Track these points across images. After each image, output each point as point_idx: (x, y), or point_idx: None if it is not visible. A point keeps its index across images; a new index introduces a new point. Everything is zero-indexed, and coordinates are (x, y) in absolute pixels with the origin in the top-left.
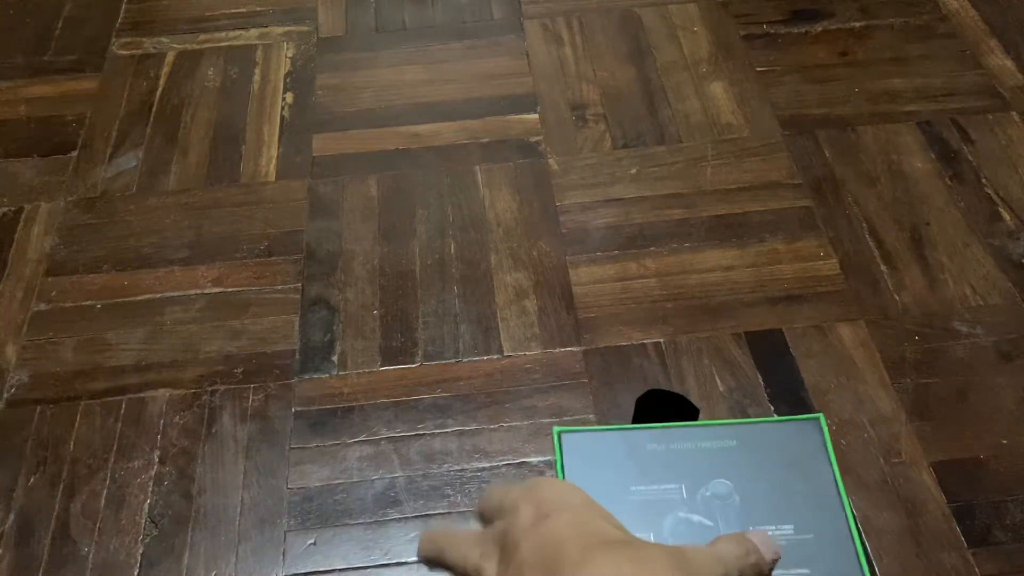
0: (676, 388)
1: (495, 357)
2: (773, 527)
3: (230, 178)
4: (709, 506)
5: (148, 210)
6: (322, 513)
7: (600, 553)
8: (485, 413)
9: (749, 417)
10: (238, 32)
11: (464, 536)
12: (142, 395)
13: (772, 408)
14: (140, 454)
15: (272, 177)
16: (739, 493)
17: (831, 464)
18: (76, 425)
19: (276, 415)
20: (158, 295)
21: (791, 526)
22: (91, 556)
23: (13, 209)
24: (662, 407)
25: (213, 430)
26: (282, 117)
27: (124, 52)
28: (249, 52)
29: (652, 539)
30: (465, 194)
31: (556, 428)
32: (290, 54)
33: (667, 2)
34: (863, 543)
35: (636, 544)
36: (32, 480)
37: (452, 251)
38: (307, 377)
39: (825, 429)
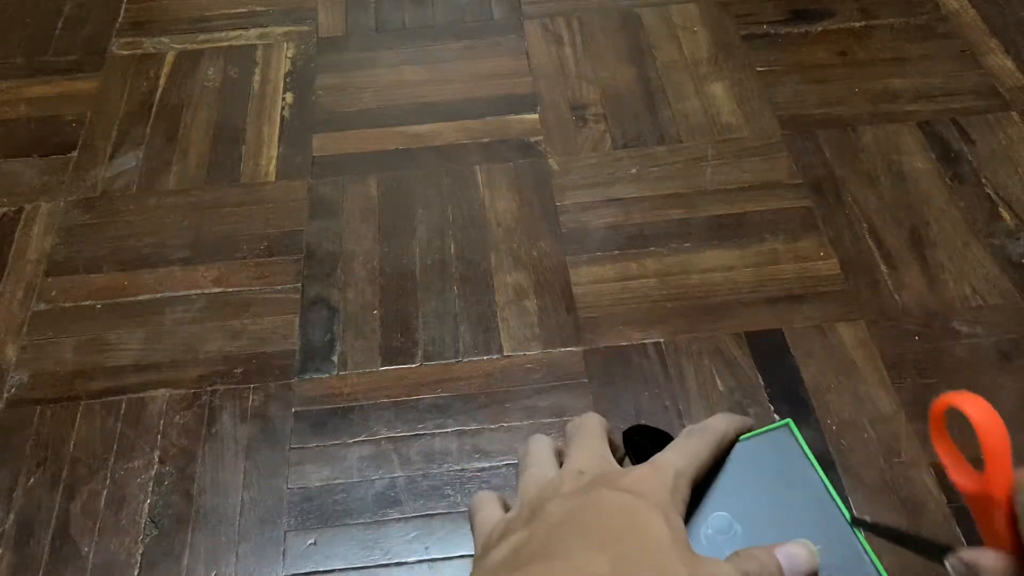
0: (676, 389)
1: (495, 357)
2: None
3: (230, 178)
4: (715, 543)
5: (148, 210)
6: (322, 513)
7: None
8: (485, 413)
9: (749, 418)
10: (238, 32)
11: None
12: (142, 395)
13: (772, 408)
14: (140, 454)
15: (272, 177)
16: (739, 522)
17: (814, 468)
18: (76, 425)
19: (276, 415)
20: (158, 295)
21: None
22: (91, 556)
23: (13, 209)
24: (648, 441)
25: (213, 430)
26: (282, 117)
27: (124, 52)
28: (249, 52)
29: None
30: (465, 194)
31: None
32: (290, 54)
33: (667, 2)
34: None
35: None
36: (32, 480)
37: (452, 251)
38: (307, 377)
39: (797, 433)
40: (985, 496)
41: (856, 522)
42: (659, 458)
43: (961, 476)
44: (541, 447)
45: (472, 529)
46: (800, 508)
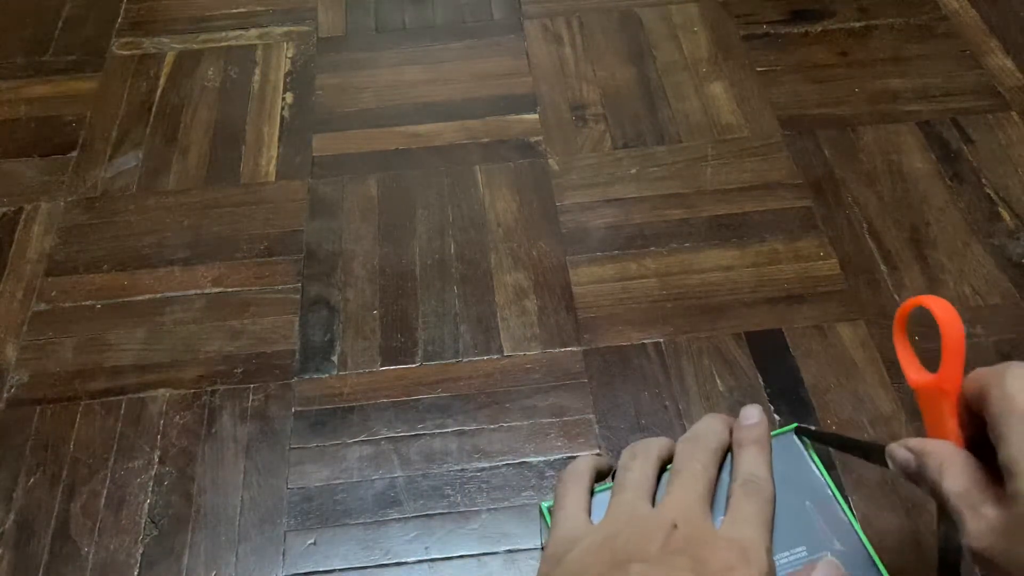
0: (676, 389)
1: (495, 357)
2: (787, 552)
3: (230, 178)
4: None
5: (148, 210)
6: (322, 513)
7: None
8: (485, 413)
9: None
10: (238, 32)
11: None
12: (142, 395)
13: (772, 408)
14: (140, 454)
15: (272, 177)
16: None
17: (819, 472)
18: (76, 425)
19: (276, 415)
20: (158, 295)
21: (803, 547)
22: (91, 556)
23: (13, 209)
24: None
25: (213, 430)
26: (282, 117)
27: (124, 52)
28: (249, 52)
29: None
30: (465, 194)
31: (543, 504)
32: (290, 54)
33: (667, 2)
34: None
35: None
36: (32, 480)
37: (452, 251)
38: (307, 377)
39: (804, 438)
40: (936, 389)
41: (800, 431)
42: (754, 539)
43: (914, 372)
44: (645, 466)
45: (554, 510)
46: (806, 511)
